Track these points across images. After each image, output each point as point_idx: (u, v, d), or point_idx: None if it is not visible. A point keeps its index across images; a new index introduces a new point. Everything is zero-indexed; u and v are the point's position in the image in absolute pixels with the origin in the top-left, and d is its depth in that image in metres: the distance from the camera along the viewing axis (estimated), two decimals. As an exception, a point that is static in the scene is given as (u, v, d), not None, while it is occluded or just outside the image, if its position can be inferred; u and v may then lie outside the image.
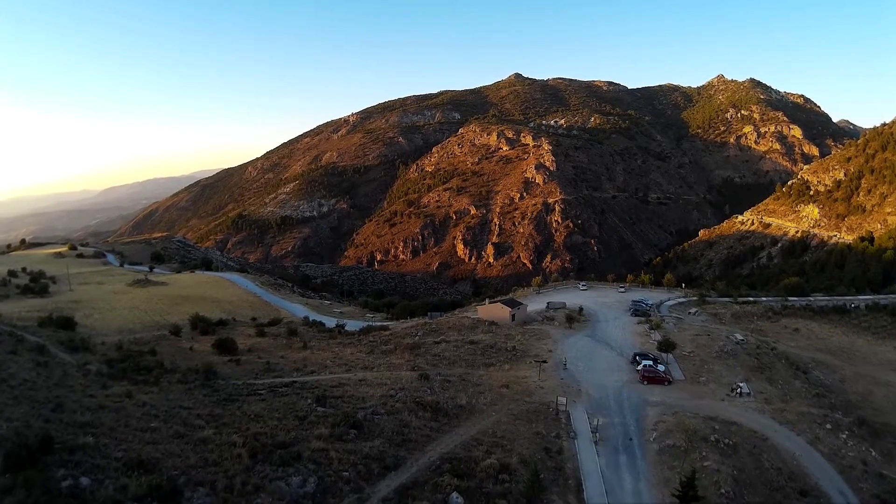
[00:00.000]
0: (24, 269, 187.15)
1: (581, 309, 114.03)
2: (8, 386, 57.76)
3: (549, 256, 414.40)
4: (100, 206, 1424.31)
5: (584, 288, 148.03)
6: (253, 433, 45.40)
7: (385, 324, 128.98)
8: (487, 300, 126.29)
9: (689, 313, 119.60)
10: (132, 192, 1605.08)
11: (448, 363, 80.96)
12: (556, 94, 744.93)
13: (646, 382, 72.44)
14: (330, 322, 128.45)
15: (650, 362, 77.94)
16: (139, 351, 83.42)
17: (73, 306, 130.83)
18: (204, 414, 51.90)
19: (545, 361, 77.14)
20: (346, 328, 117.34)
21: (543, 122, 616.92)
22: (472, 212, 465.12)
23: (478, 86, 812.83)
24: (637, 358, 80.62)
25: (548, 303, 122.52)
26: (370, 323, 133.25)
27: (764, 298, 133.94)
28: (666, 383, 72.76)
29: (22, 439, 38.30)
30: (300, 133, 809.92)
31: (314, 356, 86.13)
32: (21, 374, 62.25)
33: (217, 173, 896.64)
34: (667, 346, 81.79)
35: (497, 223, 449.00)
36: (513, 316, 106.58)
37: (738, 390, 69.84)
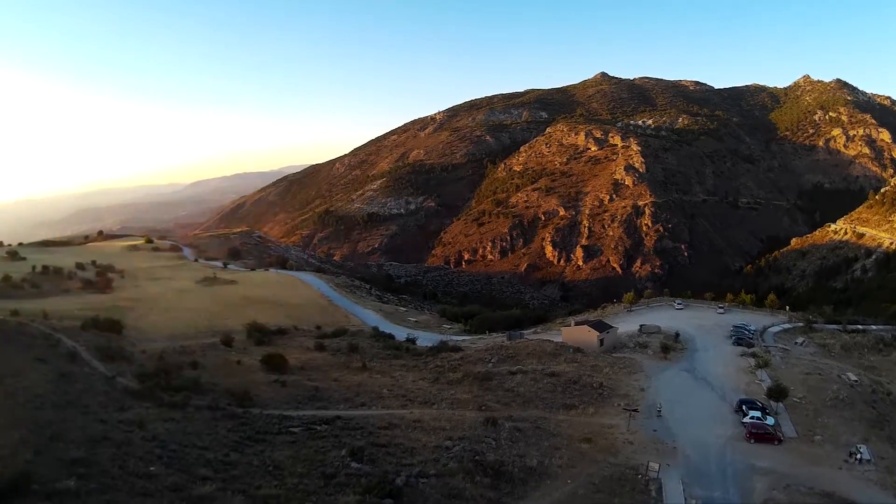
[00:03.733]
0: (93, 262, 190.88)
1: (677, 335, 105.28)
2: (16, 402, 53.86)
3: (638, 261, 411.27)
4: (188, 198, 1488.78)
5: (680, 307, 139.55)
6: (262, 496, 38.41)
7: (460, 339, 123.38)
8: (573, 320, 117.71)
9: (796, 343, 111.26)
10: (220, 186, 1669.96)
11: (522, 402, 71.95)
12: (642, 93, 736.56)
13: (752, 440, 62.80)
14: (401, 334, 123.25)
15: (758, 413, 67.77)
16: (178, 364, 79.04)
17: (130, 305, 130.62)
18: (216, 459, 45.47)
19: (636, 410, 67.43)
20: (416, 342, 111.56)
21: (631, 122, 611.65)
22: (561, 213, 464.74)
23: (564, 84, 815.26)
24: (743, 407, 70.72)
25: (641, 325, 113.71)
26: (444, 337, 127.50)
27: (874, 327, 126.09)
28: (776, 442, 62.90)
29: None
30: (387, 130, 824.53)
31: (371, 381, 79.18)
32: (35, 388, 58.53)
33: (304, 169, 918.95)
34: (778, 393, 72.21)
35: (586, 225, 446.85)
36: (601, 341, 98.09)
37: (858, 455, 59.07)
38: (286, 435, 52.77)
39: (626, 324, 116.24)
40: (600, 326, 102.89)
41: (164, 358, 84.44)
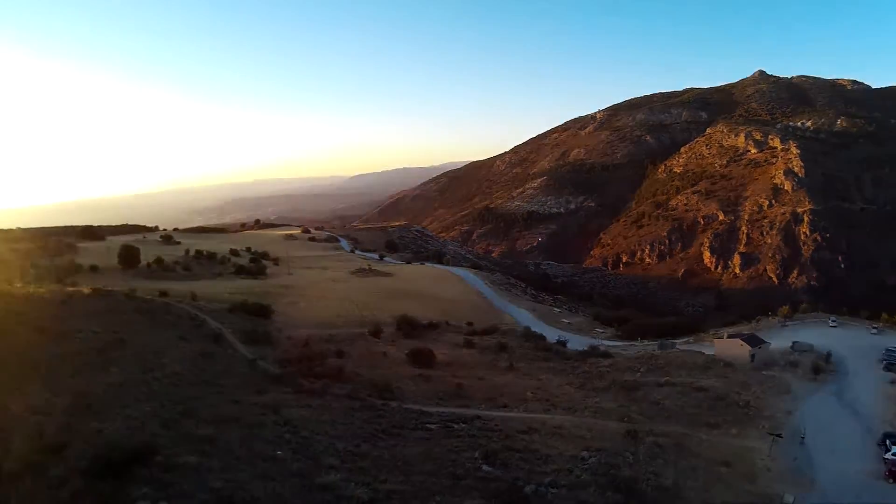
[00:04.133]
0: (248, 249, 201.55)
1: (829, 355, 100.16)
2: (152, 377, 56.78)
3: (795, 271, 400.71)
4: (348, 191, 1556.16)
5: (834, 324, 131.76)
6: (386, 490, 37.49)
7: (611, 345, 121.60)
8: (726, 332, 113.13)
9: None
10: (381, 180, 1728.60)
11: (666, 417, 68.52)
12: (800, 93, 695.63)
13: (892, 481, 57.03)
14: (552, 335, 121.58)
15: None
16: (322, 352, 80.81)
17: (280, 292, 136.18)
18: (346, 449, 45.23)
19: (780, 435, 62.20)
20: (566, 345, 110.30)
21: (790, 123, 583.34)
22: (720, 217, 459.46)
23: (721, 83, 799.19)
24: (887, 441, 64.41)
25: (794, 342, 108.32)
26: (595, 341, 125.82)
27: None
28: None
29: (106, 450, 35.79)
30: (548, 129, 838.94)
31: (516, 382, 77.39)
32: (174, 365, 61.47)
33: (465, 165, 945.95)
34: None
35: (745, 231, 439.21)
36: (752, 356, 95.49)
37: None
38: (421, 431, 51.90)
39: (779, 339, 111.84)
40: (753, 341, 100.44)
41: (309, 345, 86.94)
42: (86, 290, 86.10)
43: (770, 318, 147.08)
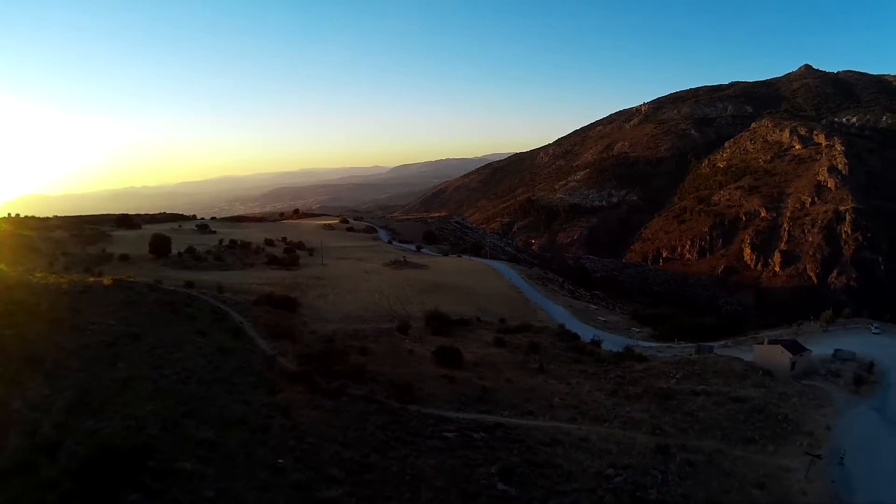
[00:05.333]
0: (283, 239, 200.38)
1: (872, 365, 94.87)
2: (160, 374, 54.67)
3: (835, 271, 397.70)
4: (390, 181, 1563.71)
5: (878, 331, 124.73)
6: (388, 511, 34.75)
7: (647, 345, 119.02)
8: (766, 337, 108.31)
9: None
10: (423, 171, 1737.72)
11: (700, 430, 64.44)
12: (846, 88, 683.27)
13: None
14: (587, 334, 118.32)
15: None
16: (344, 348, 78.21)
17: (311, 283, 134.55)
18: (353, 459, 42.73)
19: (819, 456, 57.87)
20: (601, 345, 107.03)
21: (835, 119, 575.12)
22: (763, 214, 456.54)
23: (767, 77, 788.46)
24: None
25: (835, 350, 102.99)
26: (631, 342, 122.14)
27: None
28: None
29: (100, 451, 34.92)
30: (592, 121, 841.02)
31: (544, 386, 73.87)
32: (186, 361, 59.43)
33: (508, 157, 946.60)
34: None
35: (786, 229, 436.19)
36: (792, 364, 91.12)
37: None
38: (437, 440, 49.01)
39: (820, 346, 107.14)
40: (794, 348, 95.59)
41: (332, 340, 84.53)
42: (106, 281, 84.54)
43: (812, 322, 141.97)
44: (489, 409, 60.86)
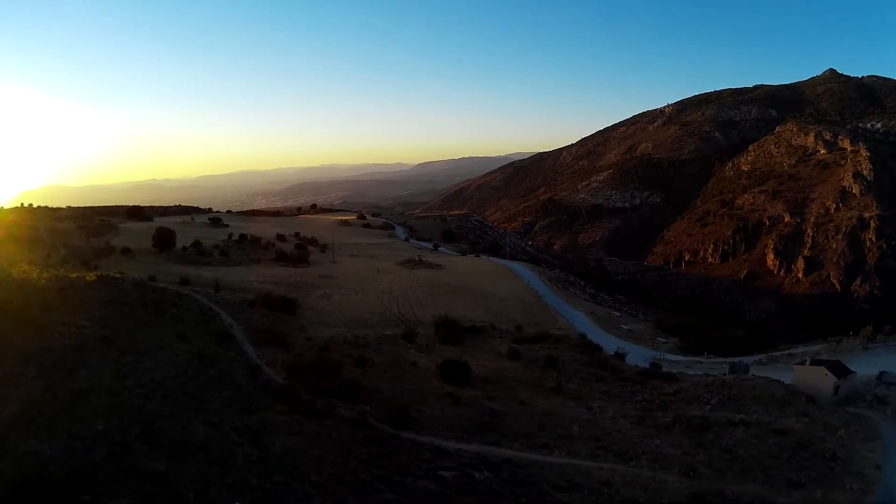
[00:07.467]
0: (296, 234, 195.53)
1: None
2: (123, 386, 47.53)
3: (858, 279, 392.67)
4: (412, 178, 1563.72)
5: None
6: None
7: (674, 359, 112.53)
8: (808, 358, 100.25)
9: None
10: (446, 168, 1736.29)
11: (739, 471, 55.27)
12: (871, 93, 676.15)
13: None
14: (610, 345, 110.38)
15: None
16: (339, 359, 70.88)
17: (316, 282, 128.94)
18: (324, 504, 35.33)
19: None
20: (625, 358, 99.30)
21: (860, 124, 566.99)
22: (786, 219, 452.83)
23: (791, 81, 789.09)
24: None
25: (881, 372, 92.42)
26: (658, 355, 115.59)
27: None
28: None
29: (31, 479, 29.20)
30: (616, 122, 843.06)
31: (562, 410, 65.70)
32: (156, 371, 51.99)
33: (531, 156, 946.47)
34: None
35: (810, 234, 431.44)
36: (836, 388, 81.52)
37: None
38: (430, 480, 41.12)
39: (861, 365, 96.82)
40: (838, 370, 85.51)
41: (329, 348, 77.77)
42: (89, 277, 78.21)
43: (851, 338, 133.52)
44: (496, 440, 53.06)
